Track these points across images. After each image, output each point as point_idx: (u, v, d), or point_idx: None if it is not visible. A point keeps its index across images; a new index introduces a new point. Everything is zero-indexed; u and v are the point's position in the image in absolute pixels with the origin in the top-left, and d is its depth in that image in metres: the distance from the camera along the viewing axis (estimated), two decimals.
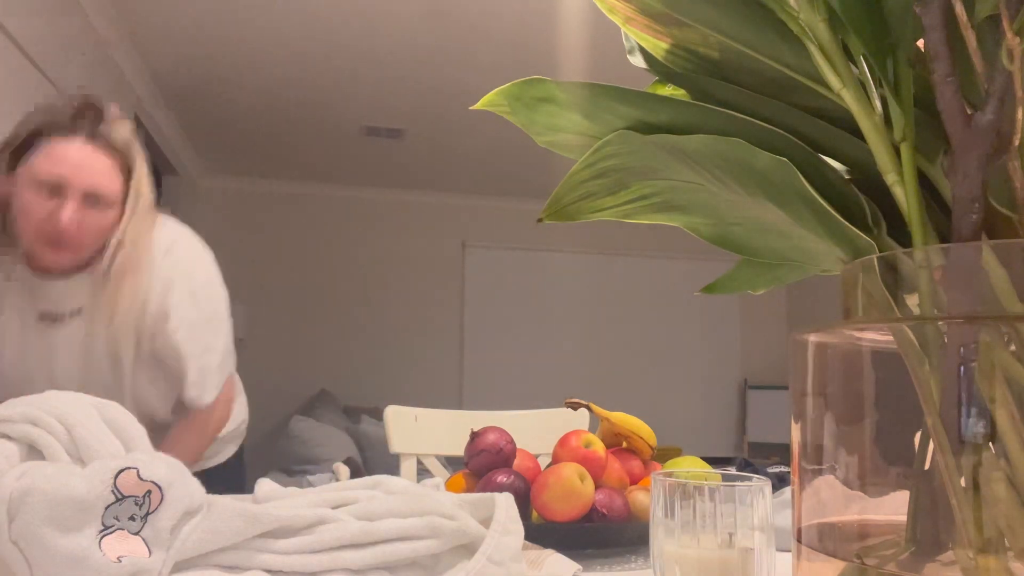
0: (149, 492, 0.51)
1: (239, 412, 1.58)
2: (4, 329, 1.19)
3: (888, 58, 0.43)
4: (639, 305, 5.80)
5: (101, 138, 1.15)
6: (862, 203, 0.44)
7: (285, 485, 0.67)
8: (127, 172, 1.19)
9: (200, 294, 1.33)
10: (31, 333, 1.20)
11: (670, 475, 0.60)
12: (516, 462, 0.93)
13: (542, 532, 0.84)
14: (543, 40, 3.23)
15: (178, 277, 1.29)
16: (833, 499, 0.41)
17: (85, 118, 1.15)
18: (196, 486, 0.54)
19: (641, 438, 0.99)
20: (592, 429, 1.10)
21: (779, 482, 1.10)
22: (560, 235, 5.63)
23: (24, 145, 1.13)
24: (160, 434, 1.29)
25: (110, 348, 1.22)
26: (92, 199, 1.14)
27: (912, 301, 0.39)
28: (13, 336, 1.19)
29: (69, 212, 1.10)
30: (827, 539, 0.42)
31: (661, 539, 0.58)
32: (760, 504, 0.57)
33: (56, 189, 1.11)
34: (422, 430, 1.54)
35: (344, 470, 1.07)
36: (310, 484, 1.06)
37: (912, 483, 0.40)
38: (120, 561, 0.48)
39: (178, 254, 1.32)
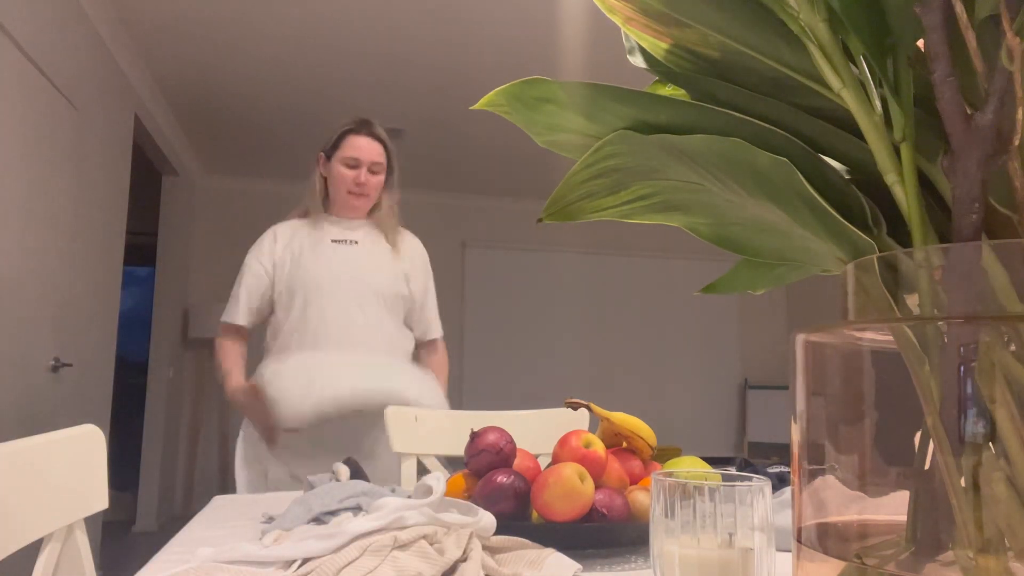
0: None
1: None
2: (311, 246, 1.96)
3: (888, 58, 0.43)
4: (639, 305, 5.80)
5: (375, 133, 1.97)
6: (862, 203, 0.44)
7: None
8: (388, 153, 1.99)
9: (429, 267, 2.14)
10: (327, 249, 1.95)
11: (670, 475, 0.60)
12: (516, 462, 0.93)
13: (542, 532, 0.84)
14: (543, 40, 3.23)
15: (420, 246, 2.12)
16: (833, 499, 0.41)
17: (364, 123, 1.97)
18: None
19: (641, 438, 0.99)
20: (592, 429, 1.10)
21: (779, 482, 1.10)
22: (560, 235, 5.63)
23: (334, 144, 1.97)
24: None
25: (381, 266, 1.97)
26: (374, 168, 1.95)
27: (912, 301, 0.39)
28: (315, 249, 1.95)
29: (363, 175, 1.93)
30: (827, 539, 0.42)
31: (661, 539, 0.58)
32: (760, 504, 0.57)
33: (354, 163, 1.93)
34: (422, 430, 1.54)
35: (344, 470, 1.08)
36: (310, 485, 1.07)
37: (912, 483, 0.40)
38: None
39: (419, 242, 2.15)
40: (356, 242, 1.98)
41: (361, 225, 2.01)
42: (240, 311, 1.93)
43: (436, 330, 2.10)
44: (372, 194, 1.97)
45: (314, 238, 1.96)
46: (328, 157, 1.97)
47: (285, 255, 1.95)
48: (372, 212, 2.03)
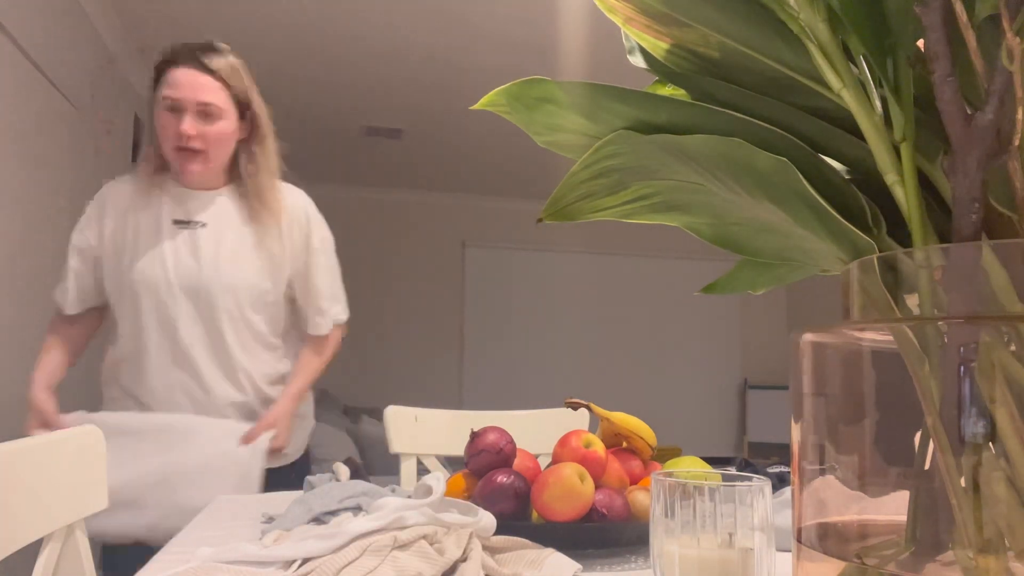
0: None
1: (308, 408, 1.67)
2: (143, 226, 1.47)
3: (888, 58, 0.43)
4: (639, 305, 5.80)
5: (203, 63, 1.40)
6: (862, 203, 0.44)
7: None
8: (230, 88, 1.43)
9: (328, 241, 1.60)
10: (165, 234, 1.46)
11: (670, 475, 0.60)
12: (516, 462, 0.93)
13: (542, 532, 0.84)
14: (543, 40, 3.22)
15: (315, 216, 1.57)
16: (833, 499, 0.41)
17: (189, 51, 1.40)
18: None
19: (641, 438, 0.99)
20: (592, 429, 1.10)
21: (779, 482, 1.10)
22: (560, 235, 5.63)
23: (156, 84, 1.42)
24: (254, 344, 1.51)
25: (239, 253, 1.46)
26: (206, 111, 1.39)
27: (912, 301, 0.39)
28: (150, 233, 1.46)
29: (187, 124, 1.38)
30: (827, 539, 0.42)
31: (661, 539, 0.58)
32: (760, 504, 0.57)
33: (174, 105, 1.39)
34: (422, 430, 1.54)
35: (344, 470, 1.08)
36: (311, 485, 1.07)
37: (912, 483, 0.40)
38: None
39: (304, 200, 1.58)
40: (204, 224, 1.45)
41: (214, 198, 1.47)
42: (68, 299, 1.50)
43: (325, 324, 1.57)
44: (210, 151, 1.42)
45: (151, 215, 1.45)
46: (152, 103, 1.44)
47: (113, 235, 1.47)
48: (231, 177, 1.50)
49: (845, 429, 0.41)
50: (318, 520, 0.94)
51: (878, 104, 0.45)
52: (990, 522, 0.35)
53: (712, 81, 0.50)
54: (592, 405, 1.04)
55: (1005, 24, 0.36)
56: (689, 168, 0.48)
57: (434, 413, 1.58)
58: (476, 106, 0.52)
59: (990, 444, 0.35)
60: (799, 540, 0.42)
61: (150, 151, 1.48)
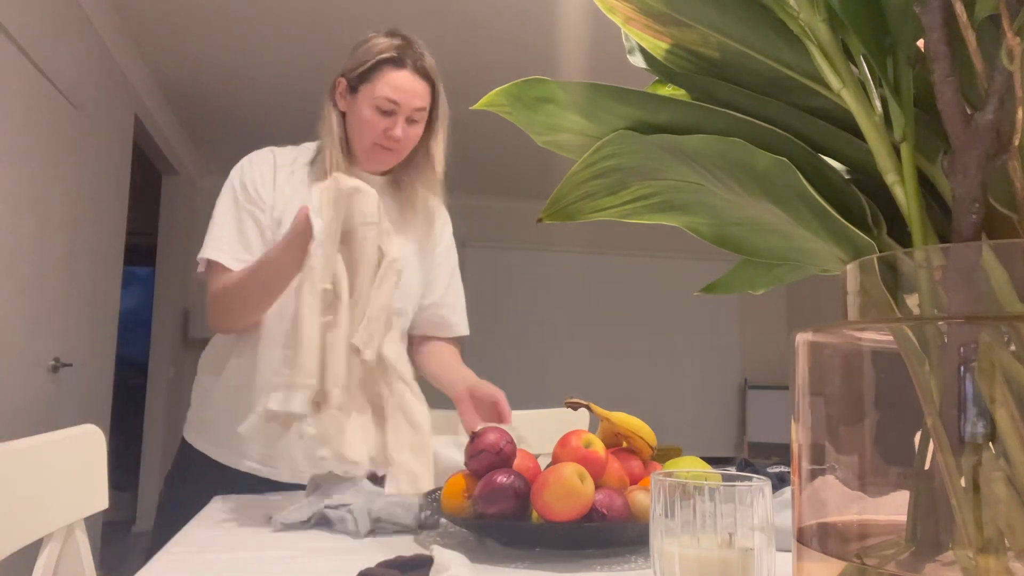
0: None
1: None
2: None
3: (888, 58, 0.43)
4: (639, 305, 5.79)
5: (421, 67, 1.39)
6: (862, 203, 0.44)
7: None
8: (435, 94, 1.43)
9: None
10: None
11: (670, 475, 0.60)
12: (516, 462, 0.93)
13: (542, 532, 0.84)
14: (543, 40, 3.22)
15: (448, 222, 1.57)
16: (833, 499, 0.41)
17: (409, 51, 1.40)
18: None
19: (641, 438, 0.99)
20: (592, 429, 1.10)
21: (779, 482, 1.10)
22: (560, 235, 5.63)
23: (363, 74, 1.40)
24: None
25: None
26: (414, 116, 1.39)
27: (912, 301, 0.39)
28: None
29: (399, 129, 1.37)
30: (827, 539, 0.42)
31: (661, 539, 0.58)
32: (760, 504, 0.57)
33: (391, 108, 1.37)
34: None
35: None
36: (316, 484, 1.07)
37: (912, 483, 0.40)
38: None
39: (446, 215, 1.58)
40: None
41: (379, 187, 1.35)
42: (232, 249, 1.34)
43: (462, 326, 1.55)
44: (404, 151, 1.42)
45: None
46: (353, 88, 1.41)
47: (282, 203, 1.38)
48: (396, 168, 1.44)
49: (845, 429, 0.41)
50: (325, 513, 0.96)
51: (878, 104, 0.45)
52: (990, 522, 0.35)
53: (712, 81, 0.50)
54: (592, 405, 1.04)
55: (1005, 24, 0.36)
56: (689, 168, 0.48)
57: (434, 413, 1.57)
58: (476, 106, 0.52)
59: (990, 444, 0.35)
60: (799, 540, 0.42)
61: (328, 144, 1.41)
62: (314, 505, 0.99)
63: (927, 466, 0.38)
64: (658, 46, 0.51)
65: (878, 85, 0.45)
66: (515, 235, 5.60)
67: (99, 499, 0.95)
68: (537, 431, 1.46)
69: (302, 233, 1.12)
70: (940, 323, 0.38)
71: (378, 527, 0.96)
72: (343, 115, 1.43)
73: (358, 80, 1.40)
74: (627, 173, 0.50)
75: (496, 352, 5.51)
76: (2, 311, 2.34)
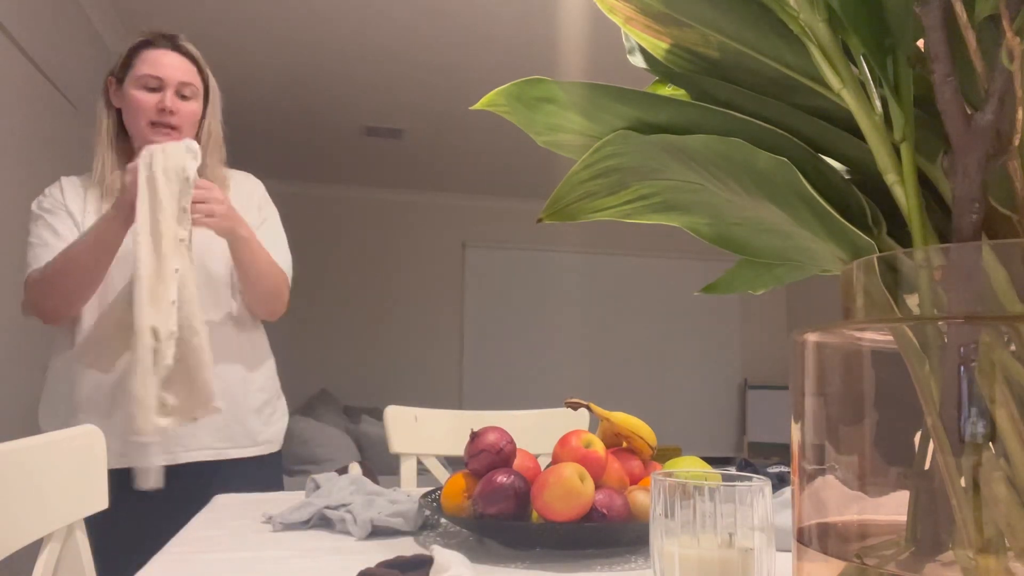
0: None
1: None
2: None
3: (888, 58, 0.43)
4: (639, 305, 5.79)
5: (179, 46, 1.49)
6: (862, 203, 0.44)
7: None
8: (203, 75, 1.53)
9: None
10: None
11: (670, 475, 0.60)
12: (516, 462, 0.93)
13: (542, 532, 0.84)
14: (543, 40, 3.22)
15: (267, 204, 1.68)
16: (833, 499, 0.41)
17: (163, 37, 1.49)
18: None
19: (641, 438, 0.99)
20: (592, 429, 1.10)
21: (779, 482, 1.10)
22: (560, 235, 5.63)
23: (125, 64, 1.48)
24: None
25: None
26: (184, 91, 1.48)
27: (912, 301, 0.39)
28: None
29: (169, 99, 1.45)
30: (827, 539, 0.42)
31: (661, 539, 0.58)
32: (760, 504, 0.57)
33: (156, 83, 1.45)
34: (422, 430, 1.54)
35: (357, 468, 1.10)
36: (316, 484, 1.07)
37: (912, 483, 0.40)
38: None
39: (253, 184, 1.72)
40: None
41: None
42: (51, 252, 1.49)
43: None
44: (183, 128, 1.47)
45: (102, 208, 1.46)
46: (120, 80, 1.47)
47: (79, 216, 1.53)
48: None
49: (845, 429, 0.41)
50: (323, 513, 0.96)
51: (878, 104, 0.45)
52: (990, 522, 0.35)
53: (712, 81, 0.50)
54: (592, 405, 1.04)
55: (1005, 24, 0.36)
56: (689, 168, 0.48)
57: (434, 413, 1.58)
58: (476, 106, 0.52)
59: (990, 444, 0.35)
60: (799, 540, 0.42)
61: (97, 146, 1.54)
62: (314, 505, 0.99)
63: (927, 466, 0.38)
64: (658, 46, 0.51)
65: (878, 85, 0.45)
66: (515, 235, 5.60)
67: (99, 499, 0.95)
68: (537, 431, 1.46)
69: (128, 200, 1.31)
70: (940, 323, 0.38)
71: (378, 527, 0.96)
72: (119, 112, 1.51)
73: (122, 71, 1.48)
74: (627, 173, 0.50)
75: (496, 352, 5.51)
76: (1, 310, 2.34)
